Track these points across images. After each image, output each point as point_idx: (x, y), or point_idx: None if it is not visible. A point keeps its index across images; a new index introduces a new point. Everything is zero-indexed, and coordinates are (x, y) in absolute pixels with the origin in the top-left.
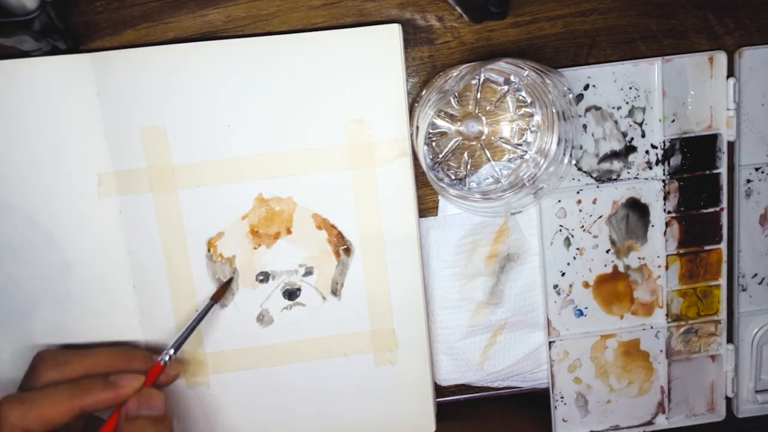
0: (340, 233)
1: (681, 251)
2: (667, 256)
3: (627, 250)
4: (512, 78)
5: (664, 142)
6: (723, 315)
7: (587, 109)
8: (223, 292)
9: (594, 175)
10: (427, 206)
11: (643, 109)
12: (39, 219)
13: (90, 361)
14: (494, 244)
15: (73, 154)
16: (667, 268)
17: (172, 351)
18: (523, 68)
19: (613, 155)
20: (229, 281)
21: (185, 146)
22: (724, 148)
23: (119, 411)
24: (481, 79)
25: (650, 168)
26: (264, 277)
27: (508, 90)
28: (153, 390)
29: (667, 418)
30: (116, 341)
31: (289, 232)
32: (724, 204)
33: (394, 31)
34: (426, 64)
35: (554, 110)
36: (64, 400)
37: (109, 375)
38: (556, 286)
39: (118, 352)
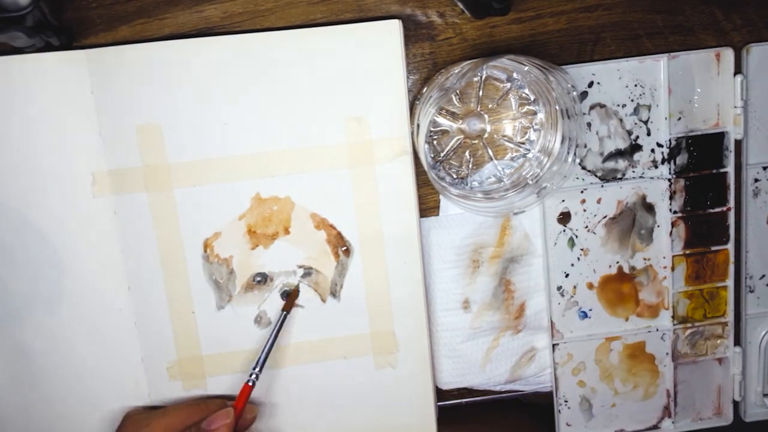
0: (339, 233)
1: (687, 252)
2: (673, 256)
3: (632, 250)
4: (515, 75)
5: (670, 140)
6: (730, 317)
7: (591, 107)
8: (292, 302)
9: (598, 174)
10: (428, 206)
11: (649, 107)
12: (31, 219)
13: (168, 420)
14: (497, 244)
15: (67, 153)
16: (673, 269)
17: (257, 369)
18: (525, 65)
19: (618, 154)
20: (297, 290)
21: (181, 145)
22: (732, 147)
23: None
24: (483, 77)
25: (656, 167)
26: (262, 278)
27: (511, 87)
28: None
29: (673, 422)
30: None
31: (287, 232)
32: (732, 203)
33: (395, 27)
34: (427, 61)
35: (558, 108)
36: None
37: (199, 425)
38: (559, 288)
39: (194, 406)
